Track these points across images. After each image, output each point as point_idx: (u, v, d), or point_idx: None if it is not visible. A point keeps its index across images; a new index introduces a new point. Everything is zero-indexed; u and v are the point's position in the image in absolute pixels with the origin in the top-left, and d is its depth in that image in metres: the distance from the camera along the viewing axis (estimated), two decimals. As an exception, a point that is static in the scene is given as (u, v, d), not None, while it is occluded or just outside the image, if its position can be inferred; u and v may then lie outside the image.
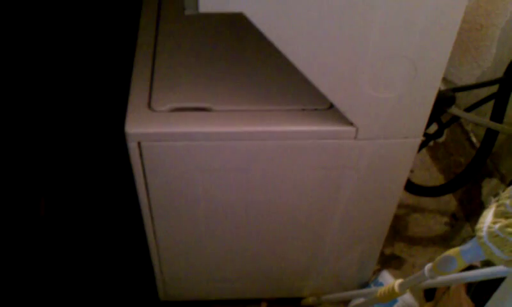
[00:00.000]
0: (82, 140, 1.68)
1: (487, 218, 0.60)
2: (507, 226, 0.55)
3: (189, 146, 0.91)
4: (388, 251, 1.48)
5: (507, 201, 0.58)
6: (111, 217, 1.52)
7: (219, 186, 1.00)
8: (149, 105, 0.90)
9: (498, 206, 0.60)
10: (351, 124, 0.90)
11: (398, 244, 1.52)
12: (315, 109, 0.92)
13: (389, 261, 1.47)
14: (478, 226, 0.61)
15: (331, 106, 0.91)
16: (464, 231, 1.53)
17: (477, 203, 1.49)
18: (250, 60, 1.01)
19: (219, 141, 0.91)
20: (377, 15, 0.74)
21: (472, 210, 1.52)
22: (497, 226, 0.57)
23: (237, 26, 1.07)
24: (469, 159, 1.30)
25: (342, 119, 0.89)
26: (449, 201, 1.61)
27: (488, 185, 1.44)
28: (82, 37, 1.75)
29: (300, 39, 0.76)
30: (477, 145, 1.45)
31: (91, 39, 1.76)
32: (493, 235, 0.58)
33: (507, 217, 0.57)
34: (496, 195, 1.33)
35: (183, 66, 0.99)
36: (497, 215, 0.59)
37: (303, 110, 0.92)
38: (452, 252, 0.70)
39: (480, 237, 0.60)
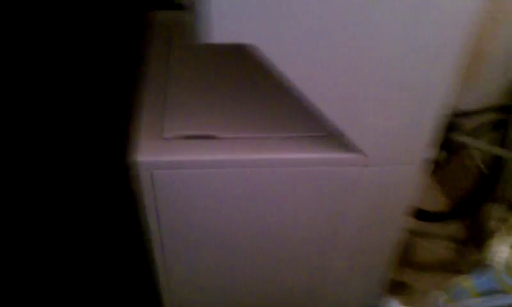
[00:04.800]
0: (79, 171, 1.67)
1: (503, 252, 0.60)
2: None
3: (197, 174, 0.91)
4: (394, 277, 1.47)
5: (522, 234, 0.58)
6: (114, 247, 1.51)
7: (226, 213, 0.99)
8: (159, 133, 0.91)
9: (513, 238, 0.59)
10: (360, 151, 0.90)
11: (404, 269, 1.50)
12: (323, 136, 0.93)
13: (396, 288, 1.45)
14: (494, 258, 0.61)
15: (340, 133, 0.91)
16: (472, 256, 1.52)
17: (485, 229, 1.48)
18: (259, 88, 1.02)
19: (228, 168, 0.91)
20: (383, 48, 0.75)
21: (480, 235, 1.51)
22: (514, 259, 0.57)
23: (247, 54, 1.08)
24: (474, 184, 1.29)
25: (350, 146, 0.90)
26: (456, 227, 1.60)
27: (496, 211, 1.43)
28: (82, 62, 1.75)
29: (310, 70, 0.77)
30: (483, 169, 1.45)
31: (93, 65, 1.75)
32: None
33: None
34: (504, 221, 1.32)
35: (191, 94, 1.00)
36: (513, 247, 0.59)
37: (311, 137, 0.93)
38: (465, 283, 0.70)
39: (498, 272, 0.60)
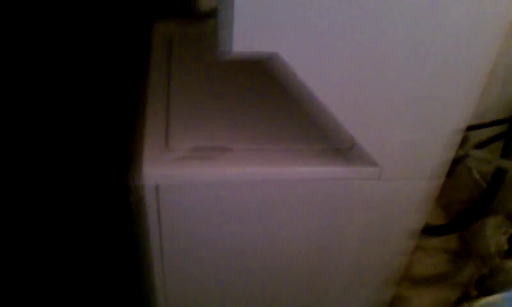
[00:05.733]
0: (76, 187, 1.62)
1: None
2: None
3: (206, 186, 0.87)
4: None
5: None
6: (107, 258, 1.46)
7: (235, 227, 0.96)
8: (166, 144, 0.87)
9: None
10: (374, 164, 0.88)
11: (402, 283, 1.49)
12: (337, 149, 0.90)
13: (394, 301, 1.44)
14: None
15: (353, 146, 0.89)
16: (468, 268, 1.51)
17: (480, 240, 1.48)
18: (269, 98, 0.99)
19: (240, 181, 0.88)
20: (407, 61, 0.74)
21: (475, 247, 1.51)
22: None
23: (252, 65, 1.05)
24: (471, 196, 1.29)
25: (364, 159, 0.88)
26: (451, 238, 1.60)
27: (492, 222, 1.43)
28: (85, 68, 1.71)
29: (331, 80, 0.75)
30: (480, 181, 1.45)
31: (96, 72, 1.71)
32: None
33: None
34: (506, 233, 1.32)
35: (197, 105, 0.97)
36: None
37: (325, 149, 0.90)
38: (494, 299, 0.68)
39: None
